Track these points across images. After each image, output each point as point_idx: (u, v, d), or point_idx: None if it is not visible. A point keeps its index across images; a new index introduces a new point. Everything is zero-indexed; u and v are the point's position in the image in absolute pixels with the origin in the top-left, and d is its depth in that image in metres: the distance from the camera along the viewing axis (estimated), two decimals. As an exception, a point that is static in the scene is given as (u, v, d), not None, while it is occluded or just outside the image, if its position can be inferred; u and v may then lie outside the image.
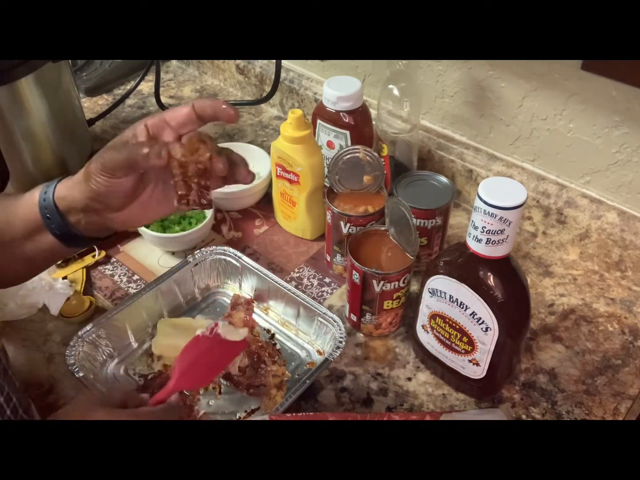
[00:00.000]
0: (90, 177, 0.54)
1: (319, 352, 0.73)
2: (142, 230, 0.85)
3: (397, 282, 0.70)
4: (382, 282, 0.70)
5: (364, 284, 0.71)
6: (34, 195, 0.58)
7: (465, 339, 0.65)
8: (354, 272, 0.71)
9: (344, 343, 0.68)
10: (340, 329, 0.70)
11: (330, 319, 0.71)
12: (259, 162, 0.97)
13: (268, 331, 0.77)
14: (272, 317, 0.78)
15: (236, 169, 0.56)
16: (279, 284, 0.76)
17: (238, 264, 0.80)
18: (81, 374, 0.65)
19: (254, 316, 0.76)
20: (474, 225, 0.57)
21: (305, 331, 0.75)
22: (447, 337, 0.67)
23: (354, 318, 0.76)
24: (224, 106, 0.53)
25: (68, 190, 0.57)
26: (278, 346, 0.74)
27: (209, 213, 0.87)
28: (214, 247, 0.81)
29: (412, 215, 0.69)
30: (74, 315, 0.77)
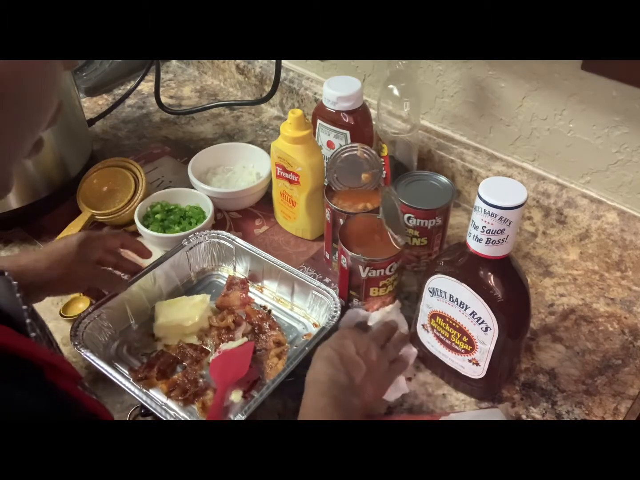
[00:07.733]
0: None
1: (315, 325, 0.76)
2: (142, 230, 0.85)
3: (382, 270, 0.71)
4: (367, 269, 0.71)
5: (351, 269, 0.72)
6: None
7: (465, 338, 0.65)
8: (342, 256, 0.73)
9: (338, 312, 0.71)
10: (334, 300, 0.72)
11: (325, 291, 0.73)
12: (259, 162, 0.97)
13: (264, 308, 0.79)
14: (267, 294, 0.81)
15: None
16: (273, 262, 0.78)
17: (232, 246, 0.82)
18: (88, 354, 0.67)
19: (250, 294, 0.80)
20: (474, 225, 0.57)
21: (301, 306, 0.78)
22: (447, 336, 0.67)
23: (342, 303, 0.77)
24: None
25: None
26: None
27: (209, 213, 0.87)
28: (207, 230, 0.83)
29: (400, 203, 0.70)
30: (74, 316, 0.77)
